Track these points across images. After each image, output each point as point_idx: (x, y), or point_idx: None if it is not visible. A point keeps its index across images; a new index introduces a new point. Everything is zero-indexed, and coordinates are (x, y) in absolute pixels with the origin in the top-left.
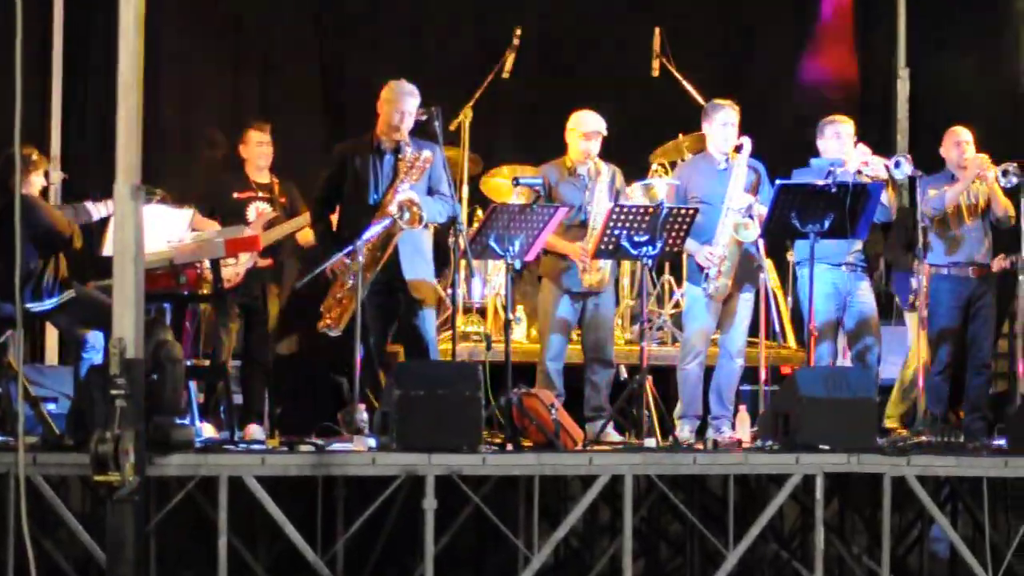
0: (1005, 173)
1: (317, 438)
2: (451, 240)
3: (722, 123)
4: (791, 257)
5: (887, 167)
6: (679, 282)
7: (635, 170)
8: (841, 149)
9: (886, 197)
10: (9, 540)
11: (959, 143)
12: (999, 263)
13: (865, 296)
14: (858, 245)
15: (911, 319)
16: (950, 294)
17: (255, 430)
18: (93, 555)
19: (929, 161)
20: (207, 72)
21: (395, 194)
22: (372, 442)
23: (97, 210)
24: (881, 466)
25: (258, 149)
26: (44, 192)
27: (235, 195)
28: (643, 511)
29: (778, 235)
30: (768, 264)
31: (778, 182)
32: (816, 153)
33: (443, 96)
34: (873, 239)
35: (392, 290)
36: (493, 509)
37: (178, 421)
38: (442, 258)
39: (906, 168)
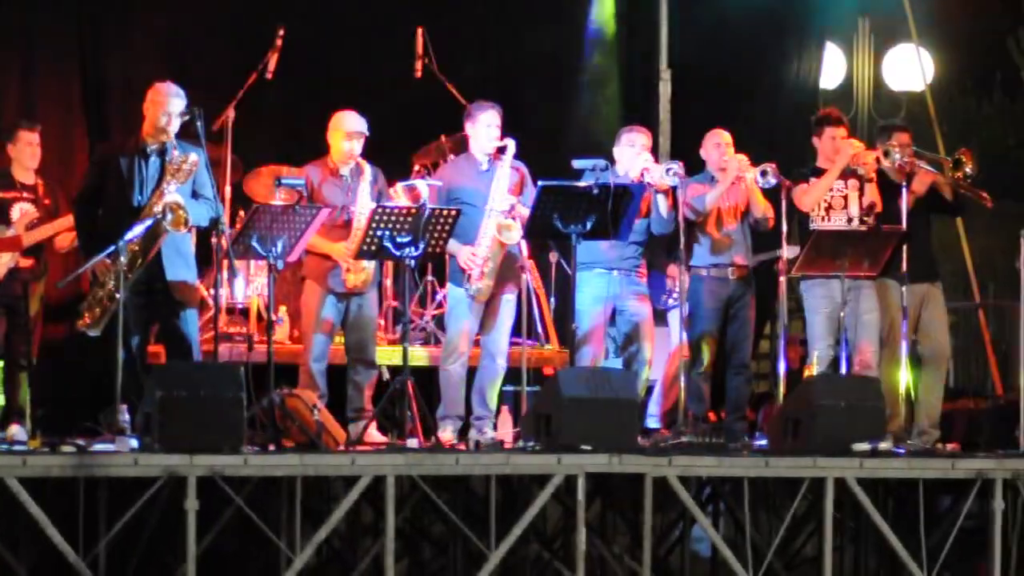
0: (764, 174)
1: (79, 439)
2: (214, 240)
3: (486, 124)
4: (553, 258)
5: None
6: (441, 283)
7: (397, 171)
8: (633, 158)
9: (664, 208)
10: None
11: (719, 144)
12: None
13: (638, 301)
14: (632, 250)
15: (672, 320)
16: (710, 295)
17: (16, 430)
18: None
19: (690, 162)
20: None
21: (161, 196)
22: (134, 443)
23: None
24: (642, 466)
25: (28, 149)
26: None
27: None
28: (406, 511)
29: (540, 236)
30: (530, 265)
31: (540, 183)
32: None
33: (205, 97)
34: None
35: (153, 291)
36: (255, 510)
37: None
38: (204, 259)
39: (677, 173)
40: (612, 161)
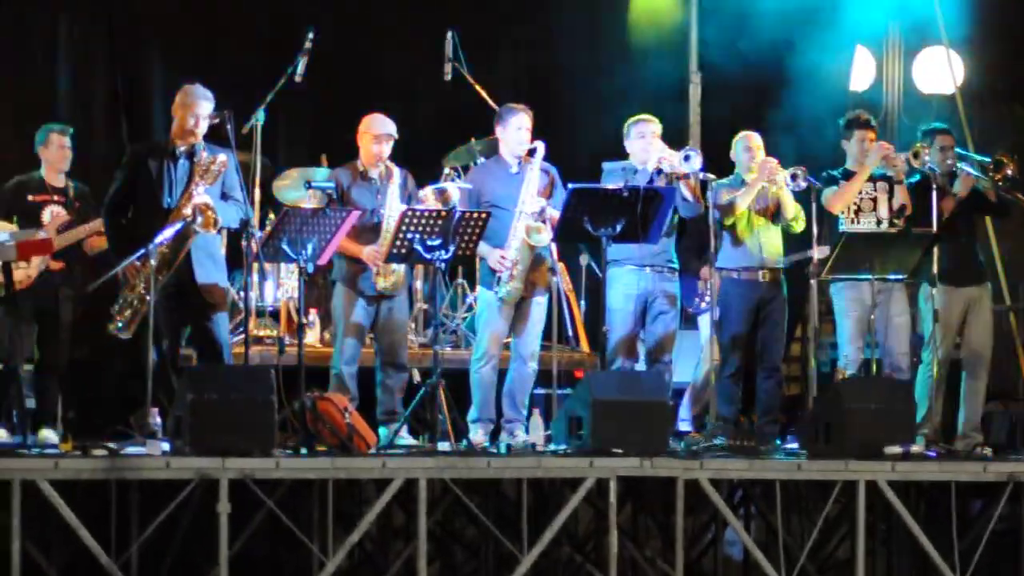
0: (794, 177)
1: (111, 442)
2: (244, 243)
3: (516, 127)
4: (583, 261)
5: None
6: (472, 286)
7: (427, 174)
8: (645, 148)
9: (688, 192)
10: None
11: (749, 147)
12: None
13: (667, 301)
14: (663, 245)
15: (703, 322)
16: (740, 298)
17: (48, 434)
18: None
19: (720, 165)
20: None
21: (190, 198)
22: (166, 446)
23: None
24: (674, 469)
25: (60, 152)
26: None
27: (30, 197)
28: (437, 515)
29: (570, 239)
30: (561, 268)
31: (570, 186)
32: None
33: (235, 99)
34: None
35: (184, 293)
36: (287, 513)
37: None
38: (234, 261)
39: (696, 161)
40: (625, 155)
